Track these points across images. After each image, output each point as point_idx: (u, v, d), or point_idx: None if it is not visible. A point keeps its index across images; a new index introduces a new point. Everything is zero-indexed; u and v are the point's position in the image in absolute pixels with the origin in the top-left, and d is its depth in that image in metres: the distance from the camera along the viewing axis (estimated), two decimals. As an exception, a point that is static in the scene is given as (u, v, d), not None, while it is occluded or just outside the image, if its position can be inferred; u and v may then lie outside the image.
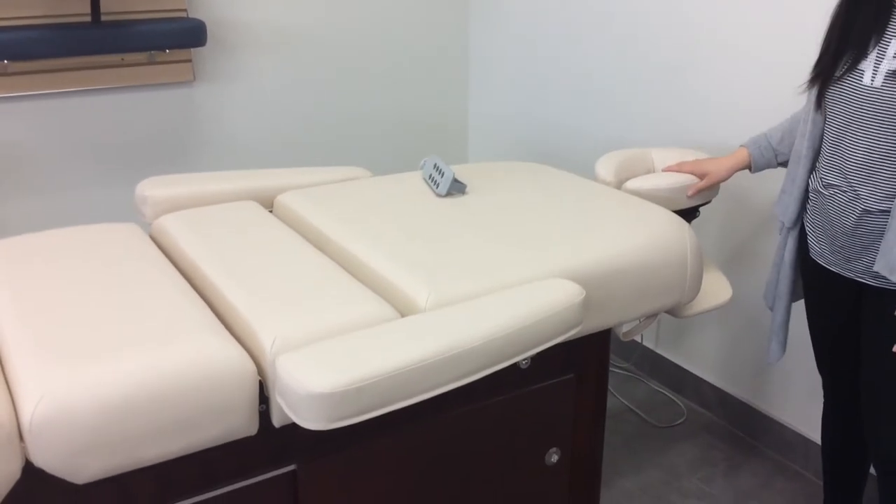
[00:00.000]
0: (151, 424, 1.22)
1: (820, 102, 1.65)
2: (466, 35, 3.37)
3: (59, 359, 1.24)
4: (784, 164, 1.87)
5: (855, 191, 1.59)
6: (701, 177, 1.98)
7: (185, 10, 2.71)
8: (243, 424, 1.31)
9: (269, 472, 1.43)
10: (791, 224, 1.78)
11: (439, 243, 1.67)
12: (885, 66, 1.51)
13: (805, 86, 1.68)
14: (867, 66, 1.54)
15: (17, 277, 1.52)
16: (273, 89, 2.98)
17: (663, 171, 2.07)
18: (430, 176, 2.03)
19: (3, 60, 2.42)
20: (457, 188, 1.97)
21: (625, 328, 1.90)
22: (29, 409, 1.15)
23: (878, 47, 1.53)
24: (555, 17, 2.93)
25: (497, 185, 2.04)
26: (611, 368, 2.89)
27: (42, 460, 1.17)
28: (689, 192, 1.97)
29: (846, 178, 1.60)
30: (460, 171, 2.12)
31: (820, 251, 1.71)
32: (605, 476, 2.35)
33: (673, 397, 2.74)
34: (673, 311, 1.88)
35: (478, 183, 2.05)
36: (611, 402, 2.71)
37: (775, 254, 1.88)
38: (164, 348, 1.27)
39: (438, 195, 1.96)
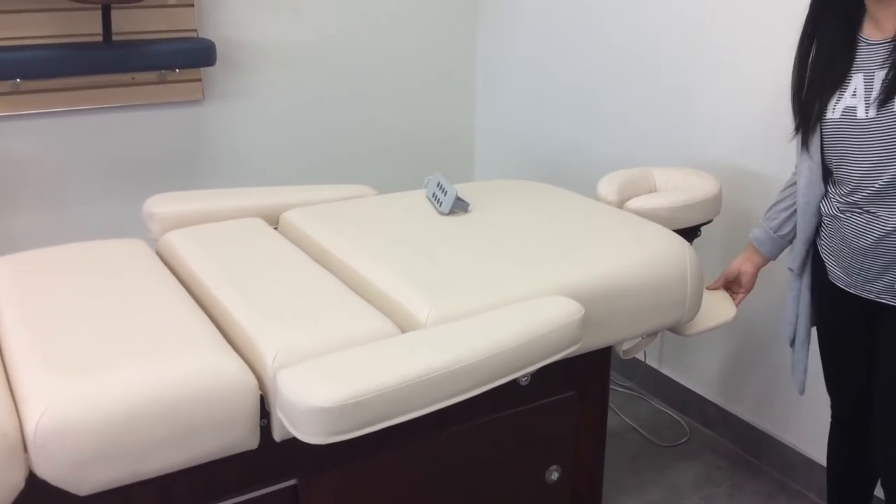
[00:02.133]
0: (154, 437, 1.24)
1: (808, 144, 1.65)
2: (473, 54, 3.40)
3: (64, 371, 1.26)
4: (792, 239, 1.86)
5: (872, 212, 1.58)
6: (736, 280, 1.98)
7: (195, 31, 2.75)
8: (244, 438, 1.33)
9: (269, 486, 1.45)
10: (800, 267, 1.78)
11: (441, 260, 1.69)
12: (875, 95, 1.52)
13: (793, 133, 1.69)
14: (857, 101, 1.55)
15: (24, 290, 1.54)
16: (280, 108, 3.02)
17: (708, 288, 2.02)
18: (434, 194, 2.05)
19: (16, 79, 2.46)
20: (459, 206, 1.99)
21: (625, 346, 1.91)
22: (33, 421, 1.17)
23: (864, 80, 1.54)
24: (561, 36, 2.96)
25: (499, 204, 2.06)
26: (614, 387, 2.89)
27: (45, 471, 1.19)
28: (737, 304, 1.99)
29: (860, 202, 1.59)
30: (463, 190, 2.14)
31: (837, 274, 1.69)
32: (607, 494, 2.35)
33: (676, 416, 2.74)
34: (676, 330, 1.89)
35: (480, 201, 2.06)
36: (614, 421, 2.71)
37: (790, 290, 1.85)
38: (168, 362, 1.29)
39: (441, 213, 1.98)
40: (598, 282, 1.65)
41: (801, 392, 1.89)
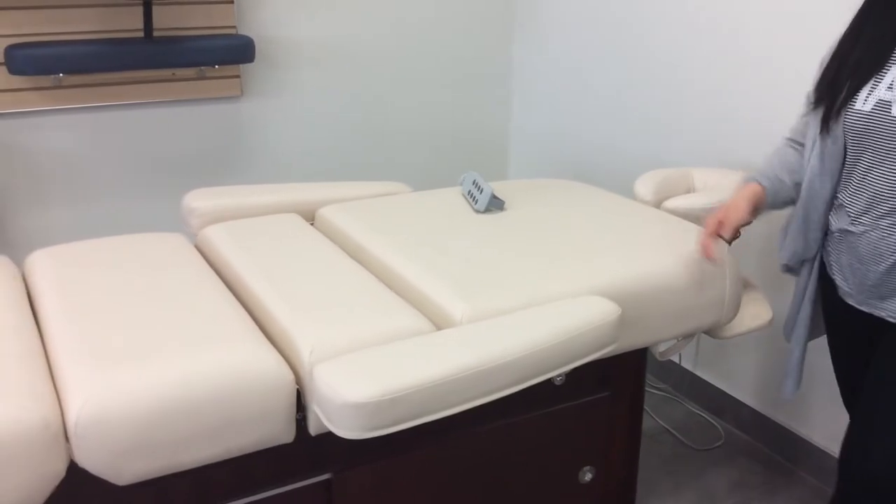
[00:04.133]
0: (191, 429, 1.25)
1: (828, 130, 1.49)
2: (509, 52, 3.39)
3: (105, 362, 1.27)
4: (787, 203, 1.68)
5: (893, 228, 1.44)
6: (715, 227, 1.67)
7: (234, 27, 2.77)
8: (280, 432, 1.34)
9: (304, 479, 1.46)
10: (809, 260, 1.64)
11: (476, 258, 1.69)
12: None
13: (810, 107, 1.53)
14: (893, 96, 1.39)
15: (66, 282, 1.57)
16: (317, 104, 3.03)
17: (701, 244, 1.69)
18: (469, 192, 2.04)
19: (58, 74, 2.50)
20: (495, 204, 1.98)
21: (661, 347, 1.90)
22: (75, 411, 1.19)
23: None
24: (597, 36, 2.94)
25: (535, 202, 2.05)
26: (648, 389, 2.86)
27: (86, 461, 1.21)
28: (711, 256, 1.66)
29: (880, 215, 1.45)
30: (499, 188, 2.14)
31: (849, 291, 1.55)
32: (641, 497, 2.33)
33: (711, 420, 2.71)
34: (712, 332, 1.87)
35: (516, 199, 2.06)
36: (648, 423, 2.69)
37: (796, 288, 1.72)
38: (206, 355, 1.30)
39: (477, 211, 1.98)
40: (635, 282, 1.64)
41: (784, 397, 1.77)
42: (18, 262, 1.75)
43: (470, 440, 1.59)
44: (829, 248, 1.58)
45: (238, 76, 2.83)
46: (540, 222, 1.91)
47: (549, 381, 1.61)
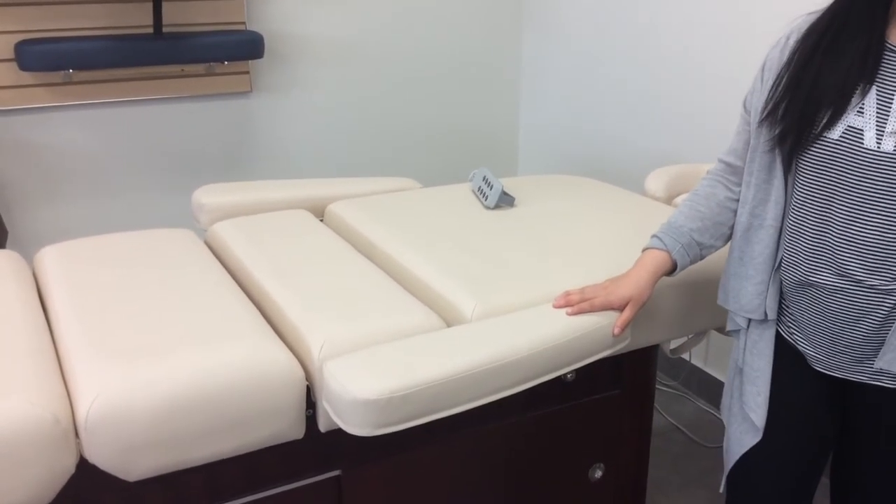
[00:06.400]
0: (201, 425, 1.25)
1: (791, 165, 1.27)
2: (519, 48, 3.38)
3: (115, 358, 1.27)
4: (703, 258, 1.49)
5: (873, 285, 1.20)
6: (620, 306, 1.47)
7: (243, 23, 2.77)
8: (290, 428, 1.33)
9: (313, 476, 1.45)
10: (760, 317, 1.36)
11: (486, 254, 1.68)
12: (894, 124, 1.15)
13: (771, 143, 1.28)
14: (865, 122, 1.17)
15: (76, 278, 1.57)
16: (326, 100, 3.03)
17: (554, 306, 1.49)
18: (479, 188, 2.04)
19: (68, 69, 2.50)
20: (505, 201, 1.98)
21: (672, 345, 1.89)
22: (85, 407, 1.19)
23: (876, 97, 1.18)
24: (607, 31, 2.93)
25: (545, 199, 2.04)
26: (658, 386, 2.85)
27: (96, 457, 1.21)
28: (617, 332, 1.46)
29: (847, 268, 1.21)
30: (509, 184, 2.13)
31: (811, 355, 1.32)
32: (651, 494, 2.32)
33: (720, 417, 2.70)
34: (722, 330, 1.86)
35: (526, 196, 2.05)
36: (658, 421, 2.68)
37: (733, 357, 1.44)
38: (216, 351, 1.30)
39: (487, 207, 1.97)
40: (646, 279, 1.63)
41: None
42: (28, 257, 1.75)
43: (479, 437, 1.58)
44: (784, 303, 1.35)
45: (247, 72, 2.83)
46: (550, 219, 1.90)
47: (560, 378, 1.61)
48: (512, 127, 3.47)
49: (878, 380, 1.26)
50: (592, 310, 1.45)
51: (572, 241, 1.76)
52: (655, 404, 2.71)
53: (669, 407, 2.77)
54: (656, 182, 2.09)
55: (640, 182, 2.18)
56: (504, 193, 1.96)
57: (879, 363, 1.23)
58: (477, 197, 2.04)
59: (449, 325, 1.48)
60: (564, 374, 1.57)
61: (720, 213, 1.44)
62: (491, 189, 1.98)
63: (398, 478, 1.52)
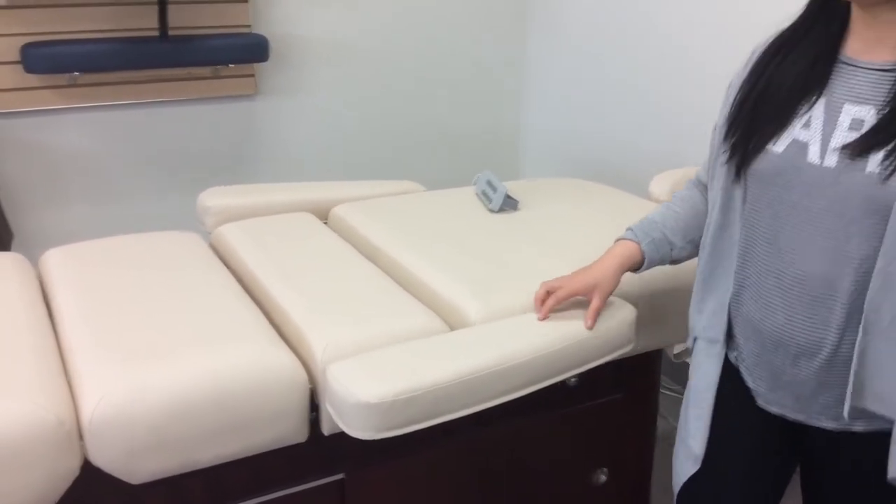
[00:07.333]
0: (206, 428, 1.25)
1: (740, 180, 1.19)
2: (523, 51, 3.38)
3: (119, 361, 1.27)
4: (675, 262, 1.44)
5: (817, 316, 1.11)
6: (586, 294, 1.44)
7: (248, 26, 2.77)
8: (294, 431, 1.34)
9: (317, 479, 1.45)
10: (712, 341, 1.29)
11: (490, 258, 1.68)
12: (839, 139, 1.07)
13: (725, 156, 1.22)
14: (811, 136, 1.10)
15: (81, 280, 1.57)
16: (331, 103, 3.03)
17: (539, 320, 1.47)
18: (483, 191, 2.04)
19: (73, 72, 2.50)
20: (509, 204, 1.98)
21: (676, 349, 1.88)
22: (89, 409, 1.19)
23: (824, 110, 1.11)
24: (611, 33, 2.92)
25: (549, 202, 2.04)
26: (663, 391, 2.85)
27: (100, 459, 1.21)
28: (589, 323, 1.44)
29: (793, 299, 1.13)
30: (513, 188, 2.13)
31: (756, 387, 1.24)
32: (655, 499, 2.31)
33: (725, 421, 2.69)
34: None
35: (530, 199, 2.05)
36: (661, 425, 2.67)
37: (692, 379, 1.37)
38: (220, 354, 1.30)
39: (491, 211, 1.97)
40: (650, 283, 1.63)
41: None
42: (33, 260, 1.76)
43: (483, 441, 1.58)
44: (734, 330, 1.26)
45: (252, 75, 2.84)
46: (554, 222, 1.90)
47: (564, 382, 1.60)
48: (515, 129, 3.47)
49: (816, 420, 1.18)
50: (559, 303, 1.43)
51: (576, 244, 1.76)
52: (660, 409, 2.70)
53: (674, 411, 2.75)
54: (660, 185, 2.08)
55: (644, 185, 2.18)
56: (508, 197, 1.96)
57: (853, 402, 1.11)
58: (481, 200, 2.04)
59: (452, 329, 1.48)
60: (568, 379, 1.57)
61: (695, 216, 1.40)
62: (495, 192, 1.98)
63: (401, 481, 1.52)
